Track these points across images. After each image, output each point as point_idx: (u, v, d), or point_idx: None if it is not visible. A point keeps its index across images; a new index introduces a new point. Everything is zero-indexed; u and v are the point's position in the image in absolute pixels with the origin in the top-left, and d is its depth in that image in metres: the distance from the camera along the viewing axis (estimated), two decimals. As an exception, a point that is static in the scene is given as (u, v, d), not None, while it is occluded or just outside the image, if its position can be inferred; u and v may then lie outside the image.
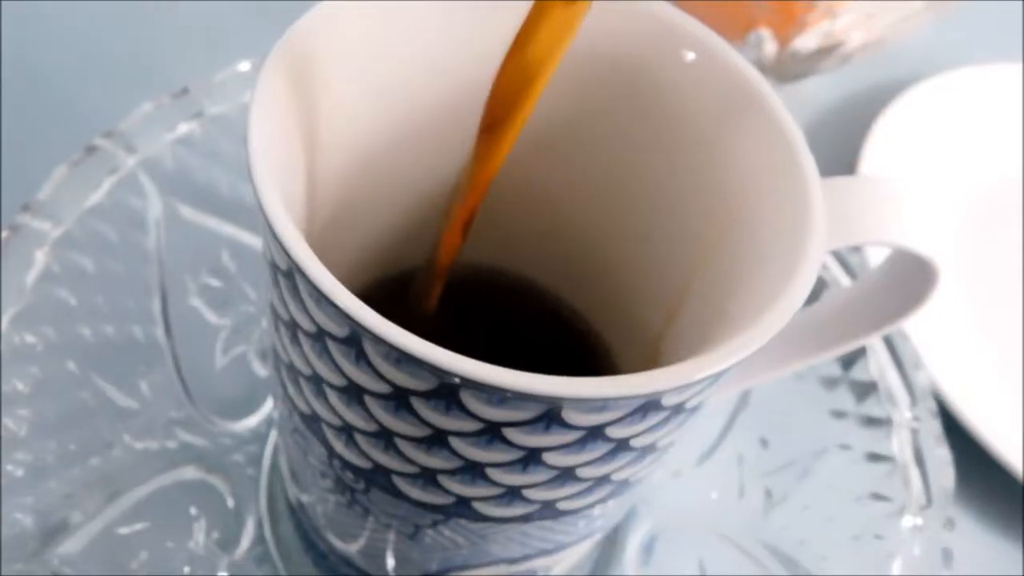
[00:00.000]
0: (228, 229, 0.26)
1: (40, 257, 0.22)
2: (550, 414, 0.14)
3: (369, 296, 0.21)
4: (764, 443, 0.26)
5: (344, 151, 0.19)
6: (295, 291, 0.14)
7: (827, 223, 0.17)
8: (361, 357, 0.14)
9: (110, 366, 0.23)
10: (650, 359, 0.22)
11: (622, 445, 0.15)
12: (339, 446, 0.17)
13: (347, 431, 0.16)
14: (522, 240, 0.23)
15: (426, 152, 0.20)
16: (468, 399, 0.14)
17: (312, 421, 0.17)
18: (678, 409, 0.15)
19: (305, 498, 0.22)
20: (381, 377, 0.14)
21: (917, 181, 0.34)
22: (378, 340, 0.13)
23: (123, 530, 0.22)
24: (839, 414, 0.24)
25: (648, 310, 0.21)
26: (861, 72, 0.38)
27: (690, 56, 0.18)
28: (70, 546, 0.20)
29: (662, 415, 0.15)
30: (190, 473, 0.24)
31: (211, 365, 0.26)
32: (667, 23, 0.18)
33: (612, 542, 0.26)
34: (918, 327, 0.26)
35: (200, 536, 0.23)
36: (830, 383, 0.25)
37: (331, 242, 0.20)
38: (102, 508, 0.22)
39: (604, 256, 0.22)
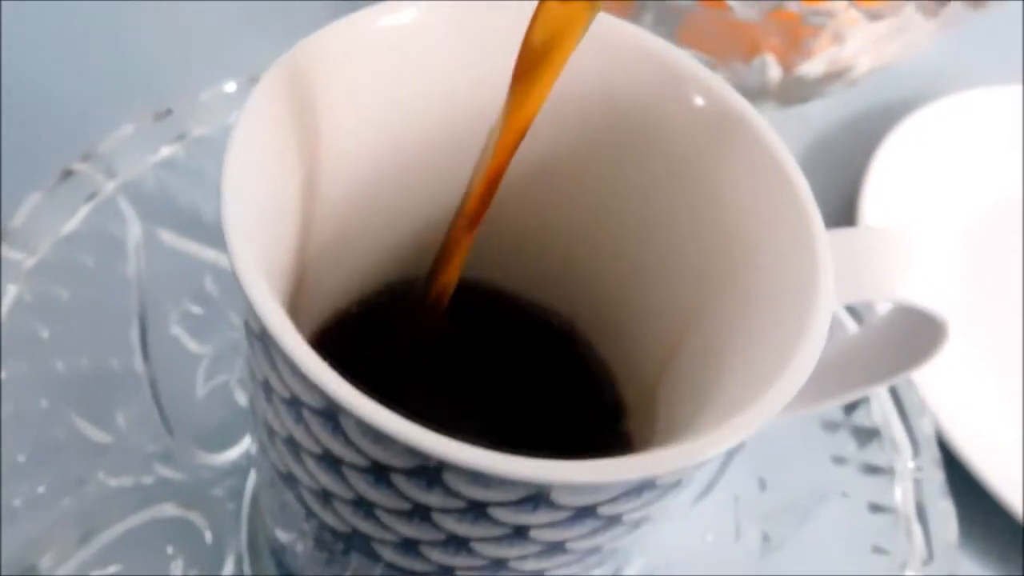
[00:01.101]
0: (211, 254, 0.25)
1: (12, 289, 0.21)
2: (538, 496, 0.13)
3: (372, 314, 0.21)
4: (762, 484, 0.25)
5: (341, 177, 0.18)
6: (269, 356, 0.14)
7: (837, 275, 0.16)
8: (338, 429, 0.13)
9: (85, 400, 0.22)
10: (648, 398, 0.21)
11: (613, 520, 0.14)
12: (317, 508, 0.16)
13: (325, 495, 0.15)
14: (535, 266, 0.22)
15: (426, 178, 0.20)
16: (451, 479, 0.13)
17: (289, 480, 0.16)
18: (673, 485, 0.14)
19: (285, 539, 0.21)
20: (359, 451, 0.13)
21: (923, 229, 0.33)
22: (354, 417, 0.12)
23: (96, 573, 0.21)
24: (840, 459, 0.24)
25: (651, 345, 0.21)
26: (866, 93, 0.37)
27: (694, 98, 0.17)
28: (39, 594, 0.19)
29: (656, 492, 0.14)
30: (168, 510, 0.23)
31: (192, 395, 0.25)
32: (669, 64, 0.17)
33: (603, 584, 0.26)
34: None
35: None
36: (831, 427, 0.24)
37: (329, 263, 0.19)
38: (74, 551, 0.21)
39: (613, 286, 0.21)
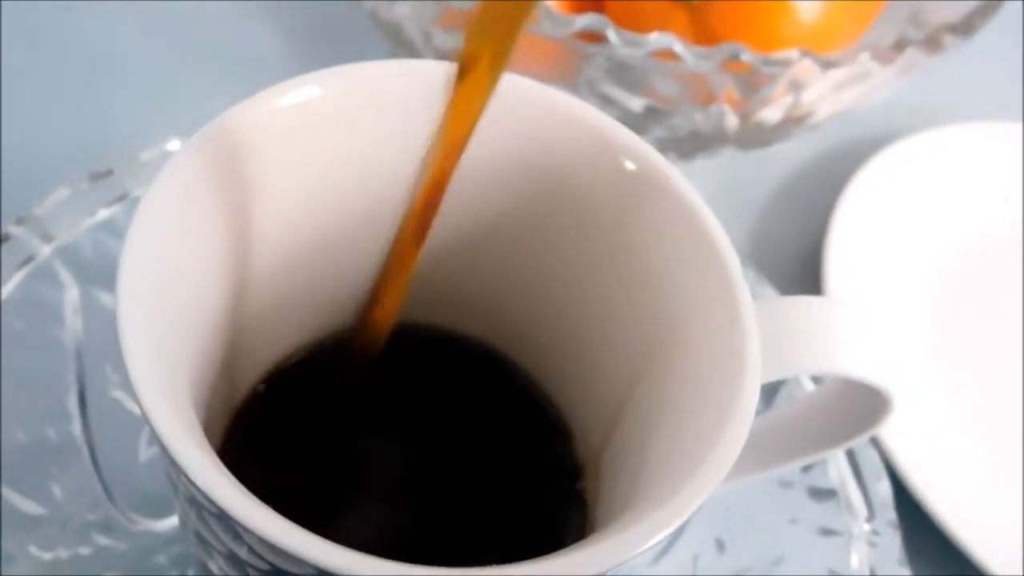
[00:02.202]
0: (155, 314, 0.25)
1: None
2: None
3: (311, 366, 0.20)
4: (720, 545, 0.25)
5: (269, 242, 0.18)
6: (169, 457, 0.13)
7: (769, 349, 0.15)
8: (238, 537, 0.13)
9: (18, 472, 0.22)
10: (596, 458, 0.20)
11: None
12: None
13: (238, 590, 0.15)
14: (488, 310, 0.21)
15: (356, 236, 0.19)
16: (355, 588, 0.12)
17: (206, 569, 0.16)
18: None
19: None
20: (260, 557, 0.13)
21: (866, 300, 0.33)
22: (246, 529, 0.12)
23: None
24: (796, 521, 0.23)
25: (599, 405, 0.20)
26: (829, 134, 0.36)
27: (622, 164, 0.17)
28: None
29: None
30: (106, 581, 0.23)
31: (134, 460, 0.24)
32: (596, 130, 0.17)
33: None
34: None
35: (116, 654, 0.22)
36: (787, 485, 0.24)
37: (265, 321, 0.19)
38: (4, 631, 0.20)
39: (565, 338, 0.21)
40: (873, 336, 0.17)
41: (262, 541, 0.12)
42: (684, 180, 0.16)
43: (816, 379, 0.24)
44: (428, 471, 0.19)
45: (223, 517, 0.12)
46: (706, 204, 0.16)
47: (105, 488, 0.23)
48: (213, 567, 0.15)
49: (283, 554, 0.12)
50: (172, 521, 0.24)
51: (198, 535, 0.14)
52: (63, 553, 0.22)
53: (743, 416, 0.14)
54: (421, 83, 0.16)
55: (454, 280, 0.19)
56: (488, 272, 0.19)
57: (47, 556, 0.22)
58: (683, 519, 0.13)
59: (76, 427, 0.23)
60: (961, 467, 0.30)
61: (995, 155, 0.38)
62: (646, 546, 0.12)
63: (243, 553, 0.13)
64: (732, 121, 0.28)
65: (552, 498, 0.19)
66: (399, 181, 0.16)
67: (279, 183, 0.16)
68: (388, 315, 0.18)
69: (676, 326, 0.16)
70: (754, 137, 0.30)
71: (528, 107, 0.17)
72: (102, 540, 0.23)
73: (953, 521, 0.27)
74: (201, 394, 0.16)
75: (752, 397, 0.14)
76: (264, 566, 0.13)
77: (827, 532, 0.22)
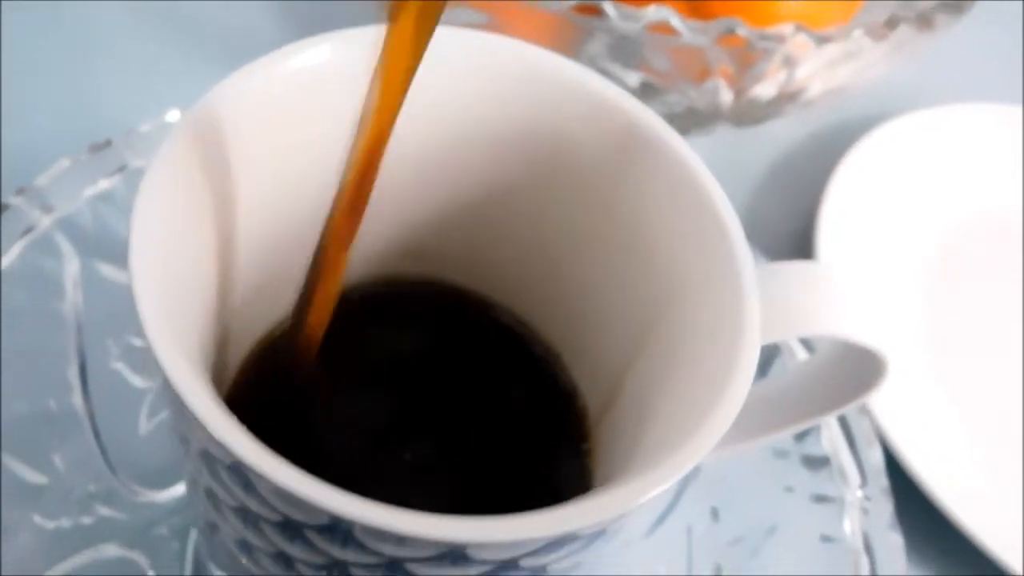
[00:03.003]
0: (154, 287, 0.25)
1: (-61, 331, 0.20)
2: (454, 553, 0.13)
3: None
4: (715, 514, 0.25)
5: (261, 215, 0.18)
6: (181, 412, 0.13)
7: (767, 313, 0.16)
8: (250, 487, 0.13)
9: (20, 442, 0.22)
10: (600, 422, 0.20)
11: (539, 571, 0.14)
12: (243, 558, 0.16)
13: (247, 546, 0.15)
14: (501, 267, 0.21)
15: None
16: (363, 536, 0.12)
17: (213, 529, 0.16)
18: (596, 535, 0.14)
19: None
20: (271, 508, 0.13)
21: (859, 268, 0.33)
22: (261, 477, 0.12)
23: (33, 619, 0.20)
24: (790, 489, 0.23)
25: (603, 372, 0.20)
26: (823, 113, 0.37)
27: (619, 130, 0.17)
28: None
29: (579, 543, 0.14)
30: (109, 551, 0.23)
31: (134, 431, 0.24)
32: (596, 95, 0.17)
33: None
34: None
35: (118, 619, 0.22)
36: (782, 454, 0.24)
37: (258, 292, 0.19)
38: (9, 597, 0.20)
39: (574, 301, 0.21)
40: (867, 300, 0.17)
41: (277, 490, 0.12)
42: (684, 143, 0.17)
43: (809, 349, 0.24)
44: (436, 428, 0.19)
45: (238, 469, 0.13)
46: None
47: (106, 459, 0.24)
48: (224, 526, 0.15)
49: (297, 502, 0.12)
50: (173, 492, 0.25)
51: (209, 492, 0.14)
52: (65, 523, 0.22)
53: (743, 376, 0.14)
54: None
55: (469, 242, 0.19)
56: (500, 234, 0.19)
57: (50, 525, 0.22)
58: (683, 474, 0.13)
59: (77, 398, 0.23)
60: (950, 439, 0.30)
61: (986, 136, 0.38)
62: (645, 499, 0.13)
63: (255, 505, 0.13)
64: (727, 97, 0.28)
65: (557, 457, 0.19)
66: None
67: (274, 151, 0.17)
68: (318, 328, 0.16)
69: (678, 287, 0.16)
70: (748, 114, 0.30)
71: (531, 72, 0.17)
72: (104, 510, 0.23)
73: (941, 491, 0.27)
74: (204, 361, 0.16)
75: (752, 356, 0.15)
76: (276, 517, 0.13)
77: (820, 499, 0.23)
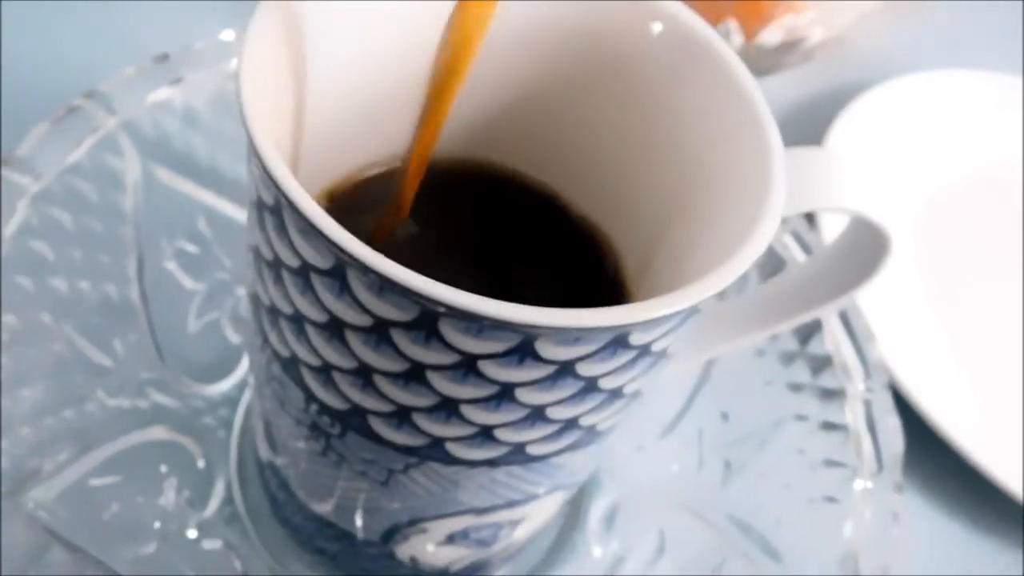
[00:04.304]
0: (205, 196, 0.26)
1: (20, 209, 0.22)
2: (524, 346, 0.14)
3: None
4: (724, 417, 0.27)
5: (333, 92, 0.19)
6: (281, 226, 0.15)
7: (788, 188, 0.18)
8: (344, 289, 0.14)
9: (85, 322, 0.23)
10: (636, 280, 0.22)
11: (591, 384, 0.16)
12: (317, 388, 0.17)
13: (326, 371, 0.17)
14: (535, 144, 0.23)
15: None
16: (447, 330, 0.14)
17: (291, 365, 0.17)
18: (644, 351, 0.16)
19: (278, 459, 0.22)
20: (363, 309, 0.15)
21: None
22: (364, 269, 0.13)
23: (95, 482, 0.22)
24: (796, 387, 0.25)
25: (640, 235, 0.22)
26: (822, 73, 0.39)
27: (656, 26, 0.19)
28: (43, 492, 0.20)
29: (630, 355, 0.15)
30: (161, 433, 0.24)
31: (184, 329, 0.26)
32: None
33: (575, 511, 0.27)
34: (873, 306, 0.28)
35: (171, 494, 0.24)
36: (788, 358, 0.26)
37: (324, 141, 0.20)
38: (74, 459, 0.22)
39: (614, 174, 0.22)
40: (873, 184, 0.19)
41: (374, 282, 0.14)
42: (715, 33, 0.19)
43: (807, 250, 0.26)
44: (496, 281, 0.21)
45: (338, 271, 0.14)
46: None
47: (159, 351, 0.25)
48: (302, 351, 0.17)
49: (393, 294, 0.14)
50: (220, 387, 0.26)
51: (294, 317, 0.16)
52: (124, 402, 0.24)
53: (771, 219, 0.16)
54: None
55: (520, 124, 0.21)
56: (548, 119, 0.21)
57: (111, 402, 0.23)
58: (726, 284, 0.15)
59: (135, 291, 0.25)
60: (948, 372, 0.32)
61: (978, 100, 0.41)
62: (694, 302, 0.14)
63: (346, 311, 0.15)
64: (738, 40, 0.30)
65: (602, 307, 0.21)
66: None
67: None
68: (426, 149, 0.19)
69: (710, 164, 0.18)
70: (754, 63, 0.32)
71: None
72: (157, 397, 0.25)
73: (943, 421, 0.29)
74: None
75: (776, 213, 0.17)
76: (366, 321, 0.15)
77: (825, 394, 0.25)
